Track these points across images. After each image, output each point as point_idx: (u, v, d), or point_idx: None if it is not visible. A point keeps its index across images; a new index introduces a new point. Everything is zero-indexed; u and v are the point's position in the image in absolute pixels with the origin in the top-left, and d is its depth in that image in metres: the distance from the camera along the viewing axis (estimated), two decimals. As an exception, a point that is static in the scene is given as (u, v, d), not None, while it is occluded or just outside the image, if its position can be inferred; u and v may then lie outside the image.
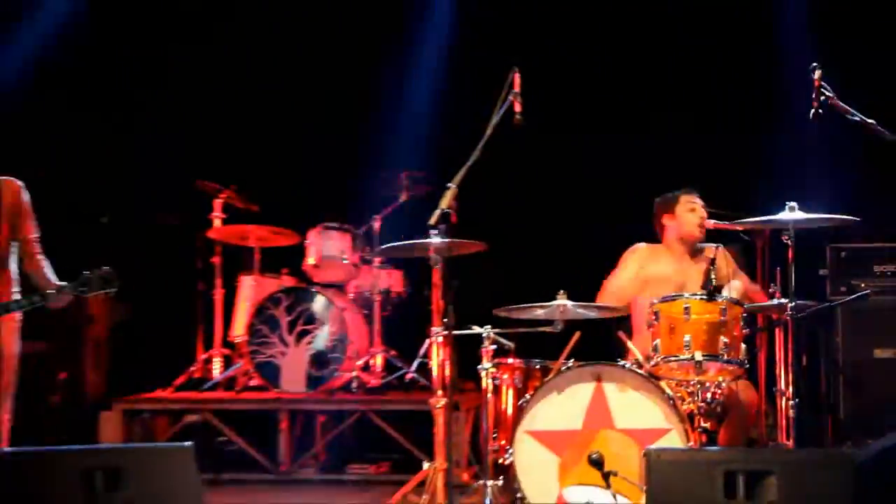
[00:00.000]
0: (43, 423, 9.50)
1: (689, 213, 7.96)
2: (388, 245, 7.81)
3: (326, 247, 10.13)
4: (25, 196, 7.05)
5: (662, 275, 7.91)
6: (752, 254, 8.06)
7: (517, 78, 7.23)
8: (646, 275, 7.95)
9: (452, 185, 7.17)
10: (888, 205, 9.05)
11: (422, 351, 10.03)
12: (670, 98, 10.46)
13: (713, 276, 7.08)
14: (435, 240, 7.23)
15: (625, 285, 7.94)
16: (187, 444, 6.80)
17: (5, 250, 6.96)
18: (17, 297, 6.97)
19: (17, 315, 7.01)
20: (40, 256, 7.05)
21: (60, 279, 7.04)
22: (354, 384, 9.92)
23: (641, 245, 8.08)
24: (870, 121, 6.92)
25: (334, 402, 9.88)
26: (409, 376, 10.07)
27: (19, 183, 7.06)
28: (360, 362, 10.04)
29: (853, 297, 8.07)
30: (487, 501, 7.19)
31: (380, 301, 10.21)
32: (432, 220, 7.17)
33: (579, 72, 10.57)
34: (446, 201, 7.17)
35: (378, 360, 10.20)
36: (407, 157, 10.23)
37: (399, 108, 10.70)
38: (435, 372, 7.53)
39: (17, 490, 6.13)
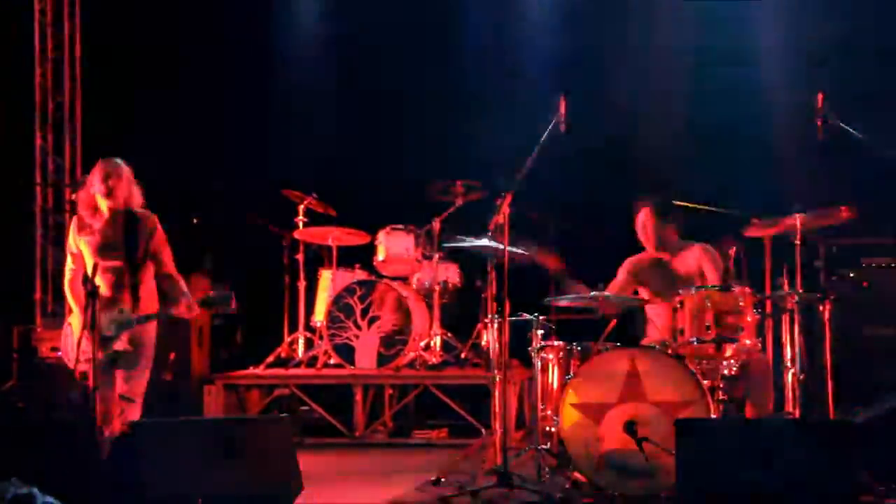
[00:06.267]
0: (158, 396, 9.53)
1: (639, 226, 7.96)
2: (454, 244, 7.86)
3: (393, 245, 10.13)
4: (159, 227, 7.07)
5: (650, 275, 7.93)
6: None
7: (563, 102, 7.22)
8: (639, 278, 7.95)
9: (507, 193, 7.18)
10: (875, 206, 8.99)
11: (474, 333, 10.04)
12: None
13: (731, 271, 7.06)
14: (492, 243, 7.26)
15: (618, 289, 7.89)
16: (285, 415, 6.87)
17: (145, 270, 7.00)
18: (156, 307, 7.06)
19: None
20: (174, 275, 7.10)
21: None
22: (417, 362, 9.94)
23: (631, 258, 8.06)
24: (862, 136, 6.90)
25: (400, 377, 9.87)
26: (463, 355, 10.07)
27: (154, 216, 7.08)
28: (422, 343, 10.02)
29: (851, 287, 8.00)
30: (537, 463, 7.23)
31: (438, 291, 10.16)
32: (490, 225, 7.18)
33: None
34: (501, 207, 7.17)
35: (437, 341, 10.14)
36: (462, 167, 10.18)
37: (455, 123, 10.66)
38: (492, 352, 7.54)
39: (151, 451, 6.20)
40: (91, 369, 6.69)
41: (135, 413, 6.95)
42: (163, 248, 7.06)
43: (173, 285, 7.04)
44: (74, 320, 7.02)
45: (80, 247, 7.02)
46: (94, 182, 6.99)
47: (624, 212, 7.99)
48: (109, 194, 6.93)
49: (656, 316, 7.85)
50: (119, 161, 7.06)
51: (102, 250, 6.94)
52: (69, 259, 7.12)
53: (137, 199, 7.06)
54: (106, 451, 6.35)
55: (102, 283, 6.81)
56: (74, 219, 7.12)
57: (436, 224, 10.12)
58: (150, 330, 7.05)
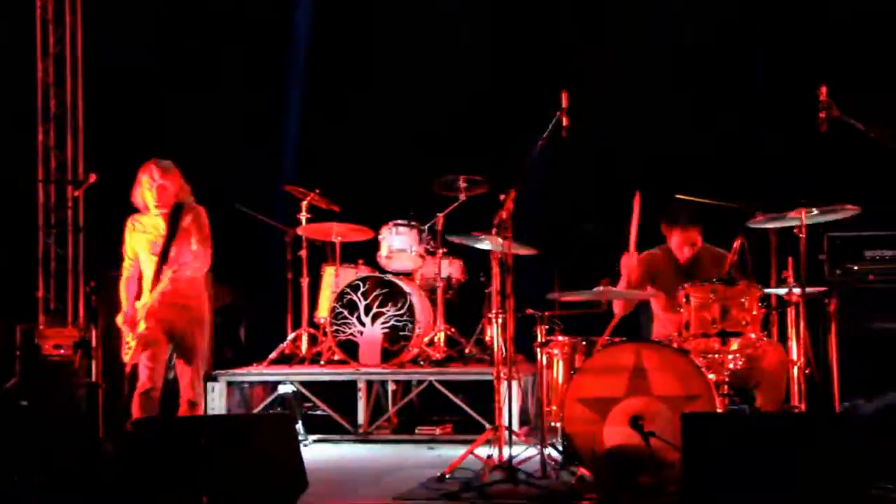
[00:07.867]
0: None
1: (680, 244, 7.90)
2: (459, 236, 7.87)
3: (396, 241, 10.12)
4: (202, 216, 7.51)
5: (663, 270, 7.91)
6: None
7: (565, 96, 7.19)
8: (652, 273, 7.93)
9: (511, 189, 7.17)
10: (878, 198, 8.96)
11: (478, 328, 10.03)
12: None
13: (736, 265, 7.05)
14: (496, 238, 7.25)
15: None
16: (288, 412, 6.87)
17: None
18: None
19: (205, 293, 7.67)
20: (197, 252, 7.47)
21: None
22: (421, 357, 9.93)
23: (644, 254, 7.98)
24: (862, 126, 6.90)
25: (404, 372, 9.86)
26: (467, 350, 10.06)
27: (199, 208, 7.54)
28: (426, 339, 10.02)
29: (855, 280, 7.96)
30: (542, 459, 7.22)
31: (442, 286, 10.16)
32: (495, 220, 7.17)
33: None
34: (506, 203, 7.16)
35: (441, 337, 10.16)
36: (463, 163, 10.17)
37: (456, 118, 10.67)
38: (496, 348, 7.53)
39: (150, 448, 6.20)
40: (137, 360, 7.42)
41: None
42: (194, 231, 7.42)
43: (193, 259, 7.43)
44: (120, 318, 7.49)
45: (134, 248, 7.50)
46: (143, 182, 7.42)
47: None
48: (158, 193, 7.37)
49: (662, 310, 7.84)
50: (167, 162, 7.48)
51: (153, 245, 7.43)
52: (126, 261, 7.58)
53: (187, 194, 7.53)
54: (110, 449, 6.36)
55: (150, 273, 7.40)
56: (128, 221, 7.57)
57: (439, 219, 10.12)
58: (184, 314, 7.50)
